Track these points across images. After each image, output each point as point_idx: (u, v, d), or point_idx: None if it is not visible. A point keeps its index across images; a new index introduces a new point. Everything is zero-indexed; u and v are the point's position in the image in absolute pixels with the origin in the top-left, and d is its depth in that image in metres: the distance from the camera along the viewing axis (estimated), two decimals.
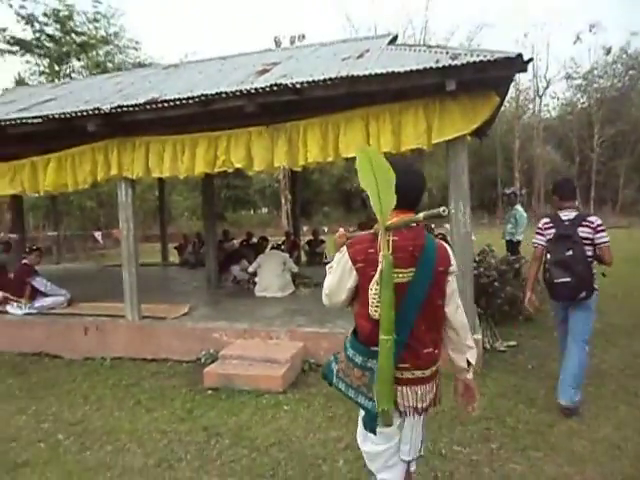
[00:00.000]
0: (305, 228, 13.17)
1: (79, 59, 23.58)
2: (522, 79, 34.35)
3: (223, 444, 3.46)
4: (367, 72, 4.36)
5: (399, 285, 1.80)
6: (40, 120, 5.31)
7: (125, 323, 5.70)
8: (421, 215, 1.81)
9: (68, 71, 23.36)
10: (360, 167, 1.82)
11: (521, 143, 33.84)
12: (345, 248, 1.96)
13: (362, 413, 1.96)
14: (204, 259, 8.49)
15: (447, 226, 12.52)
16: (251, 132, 5.05)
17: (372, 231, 1.90)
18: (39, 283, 6.43)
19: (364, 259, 1.88)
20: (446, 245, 1.97)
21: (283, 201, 28.23)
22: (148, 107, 4.92)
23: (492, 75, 4.10)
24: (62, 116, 5.20)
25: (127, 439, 3.61)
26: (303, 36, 29.53)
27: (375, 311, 1.80)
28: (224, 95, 4.66)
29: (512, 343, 5.34)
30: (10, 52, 22.87)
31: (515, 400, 3.99)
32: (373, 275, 1.82)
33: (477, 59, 4.04)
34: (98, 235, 7.12)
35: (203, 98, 4.72)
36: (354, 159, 1.84)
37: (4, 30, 20.26)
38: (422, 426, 2.00)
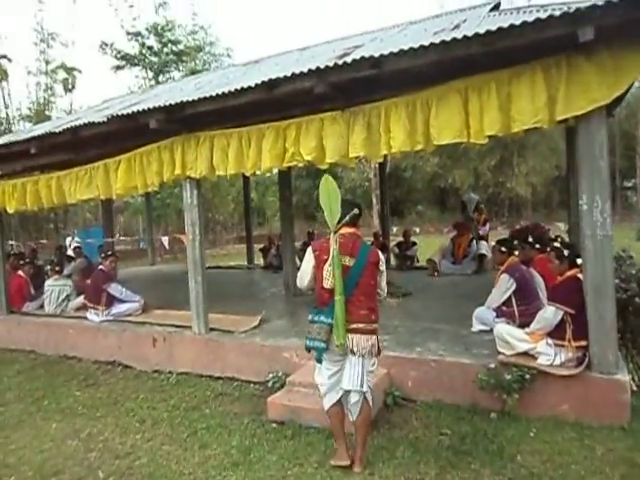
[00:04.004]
0: (395, 229, 12.18)
1: (178, 69, 24.78)
2: None
3: None
4: (464, 33, 3.40)
5: (345, 267, 2.94)
6: (105, 120, 5.03)
7: (191, 336, 5.26)
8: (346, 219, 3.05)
9: (169, 82, 24.66)
10: (322, 191, 3.05)
11: None
12: (311, 245, 3.17)
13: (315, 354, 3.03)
14: None
15: (560, 225, 10.80)
16: (323, 119, 4.29)
17: (328, 237, 3.02)
18: (114, 289, 6.26)
19: (320, 249, 3.05)
20: (377, 250, 3.15)
21: (374, 201, 27.37)
22: (208, 97, 4.39)
23: None
24: (124, 114, 4.87)
25: None
26: None
27: (327, 280, 2.94)
28: (290, 75, 3.95)
29: None
30: (119, 67, 24.72)
31: None
32: (325, 259, 2.98)
33: None
34: (165, 240, 6.87)
35: (267, 81, 4.06)
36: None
37: (111, 45, 21.73)
38: (361, 367, 2.97)
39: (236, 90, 4.22)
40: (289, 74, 3.95)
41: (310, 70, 3.86)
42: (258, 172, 4.68)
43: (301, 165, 4.49)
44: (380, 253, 3.13)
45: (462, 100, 3.75)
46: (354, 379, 2.96)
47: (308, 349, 3.01)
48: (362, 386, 2.97)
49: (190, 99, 4.53)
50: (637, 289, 4.93)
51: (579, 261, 3.74)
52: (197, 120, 4.95)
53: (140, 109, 4.80)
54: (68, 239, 15.90)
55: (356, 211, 3.08)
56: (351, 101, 4.19)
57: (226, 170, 4.78)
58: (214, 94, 4.35)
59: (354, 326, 2.93)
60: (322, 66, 3.80)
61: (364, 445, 3.07)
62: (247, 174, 4.83)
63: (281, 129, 4.50)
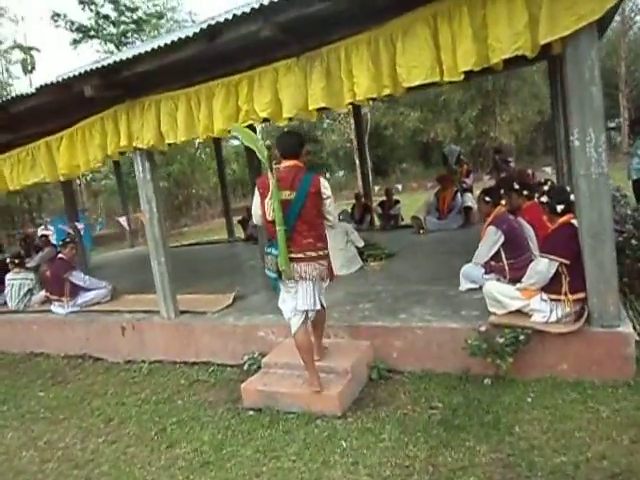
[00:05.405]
0: (376, 188, 11.74)
1: (140, 39, 23.43)
2: None
3: None
4: None
5: (285, 201, 3.09)
6: (34, 91, 4.46)
7: (160, 321, 4.87)
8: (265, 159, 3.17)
9: None
10: (240, 137, 3.42)
11: (627, 65, 28.73)
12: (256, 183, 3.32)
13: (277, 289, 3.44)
14: None
15: (548, 169, 10.44)
16: (277, 69, 3.78)
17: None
18: (77, 278, 5.81)
19: (262, 186, 3.20)
20: (321, 177, 3.22)
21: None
22: (143, 53, 3.83)
23: None
24: (53, 82, 4.30)
25: None
26: None
27: (269, 214, 3.15)
28: (231, 18, 3.41)
29: None
30: (77, 41, 23.34)
31: None
32: (267, 194, 3.14)
33: None
34: (123, 220, 6.38)
35: (205, 28, 3.51)
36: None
37: (64, 16, 20.37)
38: (312, 290, 3.21)
39: (173, 42, 3.67)
40: (230, 17, 3.41)
41: (253, 9, 3.31)
42: (210, 135, 4.16)
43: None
44: (322, 180, 3.19)
45: (431, 31, 3.25)
46: (308, 300, 3.21)
47: (268, 277, 3.35)
48: (315, 305, 3.23)
49: (124, 58, 3.97)
50: (633, 231, 4.61)
51: (559, 208, 3.37)
52: (140, 84, 4.40)
53: (71, 75, 4.23)
54: (40, 228, 15.23)
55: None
56: (306, 45, 3.68)
57: (176, 137, 4.27)
58: (149, 49, 3.80)
59: (300, 255, 3.13)
60: (266, 3, 3.25)
61: (321, 336, 3.56)
62: (199, 139, 4.33)
63: (232, 85, 3.97)
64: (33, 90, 4.47)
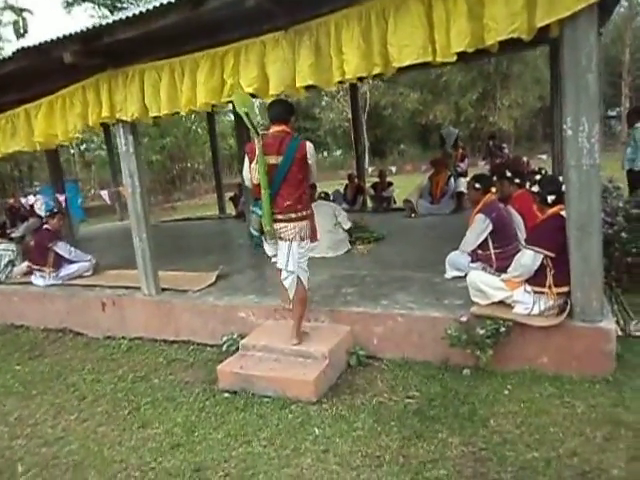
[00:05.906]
0: (370, 169, 11.60)
1: (136, 4, 22.74)
2: None
3: None
4: None
5: (271, 165, 3.24)
6: (10, 55, 4.26)
7: (141, 298, 4.79)
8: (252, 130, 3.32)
9: None
10: (236, 104, 3.40)
11: (631, 53, 28.28)
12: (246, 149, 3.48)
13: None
14: None
15: (543, 157, 10.30)
16: (265, 42, 3.61)
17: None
18: (62, 249, 5.68)
19: (250, 151, 3.35)
20: (308, 142, 3.34)
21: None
22: (125, 19, 3.64)
23: None
24: (30, 46, 4.10)
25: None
26: None
27: (255, 177, 3.33)
28: None
29: None
30: (69, 4, 22.65)
31: None
32: (254, 159, 3.31)
33: None
34: (105, 194, 6.21)
35: None
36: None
37: None
38: (287, 250, 3.35)
39: (155, 8, 3.48)
40: None
41: None
42: (193, 108, 4.01)
43: None
44: (308, 145, 3.32)
45: (424, 8, 3.10)
46: (282, 260, 3.39)
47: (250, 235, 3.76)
48: (287, 266, 3.36)
49: (104, 23, 3.78)
50: (623, 223, 4.54)
51: (550, 198, 3.29)
52: (122, 52, 4.21)
53: (49, 39, 4.03)
54: (30, 197, 14.97)
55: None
56: (295, 17, 3.50)
57: (159, 110, 4.11)
58: (130, 15, 3.61)
59: (281, 217, 3.30)
60: None
61: (299, 322, 3.52)
62: (182, 112, 4.15)
63: (217, 57, 3.81)
64: (10, 55, 4.27)
